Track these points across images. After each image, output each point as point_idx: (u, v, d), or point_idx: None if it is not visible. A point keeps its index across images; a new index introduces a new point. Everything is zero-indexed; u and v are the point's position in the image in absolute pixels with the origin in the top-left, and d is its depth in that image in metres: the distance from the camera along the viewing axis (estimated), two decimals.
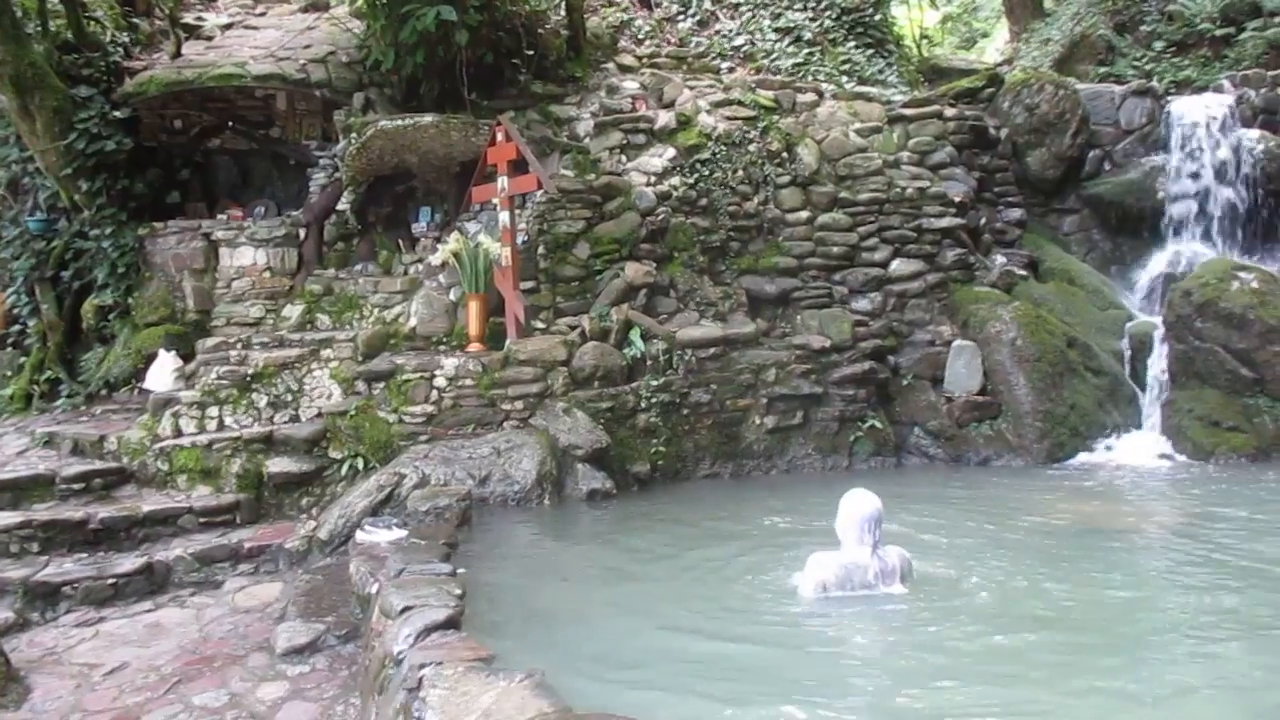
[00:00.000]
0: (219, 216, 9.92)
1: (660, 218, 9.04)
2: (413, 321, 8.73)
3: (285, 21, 11.07)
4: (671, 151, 9.50)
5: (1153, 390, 9.21)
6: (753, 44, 12.15)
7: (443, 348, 8.51)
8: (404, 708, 3.36)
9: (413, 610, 4.01)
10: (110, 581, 6.15)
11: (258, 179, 10.73)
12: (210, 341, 8.63)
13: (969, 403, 8.90)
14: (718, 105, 10.04)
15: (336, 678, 4.81)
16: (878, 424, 8.72)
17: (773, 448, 8.46)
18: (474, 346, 8.22)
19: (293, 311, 9.17)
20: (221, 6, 11.62)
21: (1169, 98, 11.09)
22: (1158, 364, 9.22)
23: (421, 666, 3.39)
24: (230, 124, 10.48)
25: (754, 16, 12.48)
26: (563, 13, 10.79)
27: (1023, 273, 9.95)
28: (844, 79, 11.75)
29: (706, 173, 9.46)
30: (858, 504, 4.77)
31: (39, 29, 9.46)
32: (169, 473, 7.42)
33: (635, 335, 8.20)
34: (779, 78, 11.16)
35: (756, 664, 4.15)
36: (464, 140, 8.91)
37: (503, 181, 8.41)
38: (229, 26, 11.01)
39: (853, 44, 12.54)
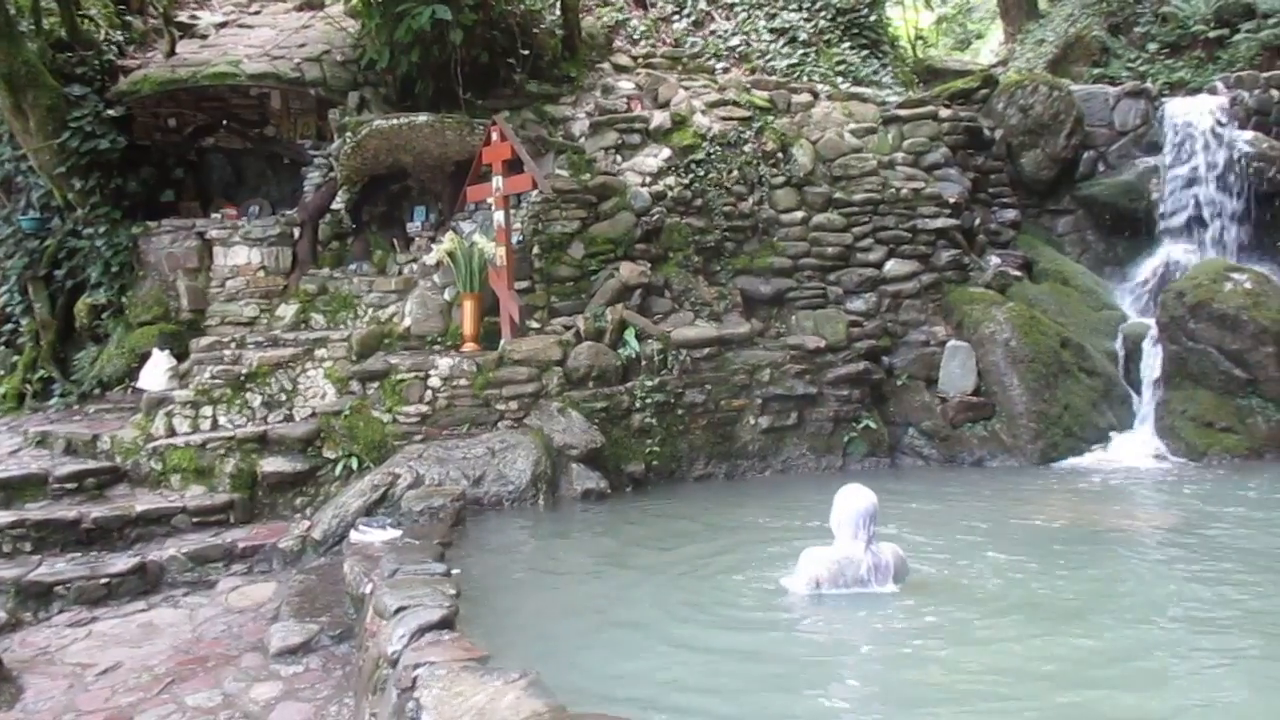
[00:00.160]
0: (213, 215, 9.91)
1: (655, 218, 9.05)
2: (407, 321, 8.72)
3: (280, 20, 11.06)
4: (666, 151, 9.50)
5: (1146, 391, 9.23)
6: (748, 44, 12.15)
7: (437, 347, 8.50)
8: (398, 708, 3.35)
9: (407, 610, 4.00)
10: (103, 581, 6.14)
11: (252, 178, 10.71)
12: (204, 341, 8.61)
13: (963, 403, 8.92)
14: (713, 105, 10.05)
15: (330, 678, 4.80)
16: (872, 424, 8.73)
17: (767, 448, 8.47)
18: (469, 346, 8.22)
19: (287, 311, 9.16)
20: (216, 5, 11.60)
21: (1163, 99, 11.11)
22: (1151, 365, 9.25)
23: (416, 666, 3.39)
24: (225, 123, 10.46)
25: (749, 17, 12.48)
26: (558, 12, 10.78)
27: (1017, 273, 9.97)
28: (839, 80, 11.75)
29: (701, 173, 9.46)
30: (853, 499, 4.77)
31: (32, 27, 9.44)
32: (162, 472, 7.40)
33: (630, 335, 8.20)
34: (774, 78, 11.17)
35: (748, 662, 4.15)
36: (459, 140, 8.90)
37: (498, 181, 8.40)
38: (223, 25, 10.99)
39: (848, 45, 12.55)
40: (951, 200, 9.79)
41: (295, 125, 10.46)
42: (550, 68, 10.38)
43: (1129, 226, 10.75)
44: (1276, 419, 8.56)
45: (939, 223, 9.69)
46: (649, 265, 8.85)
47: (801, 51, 12.14)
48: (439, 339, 8.62)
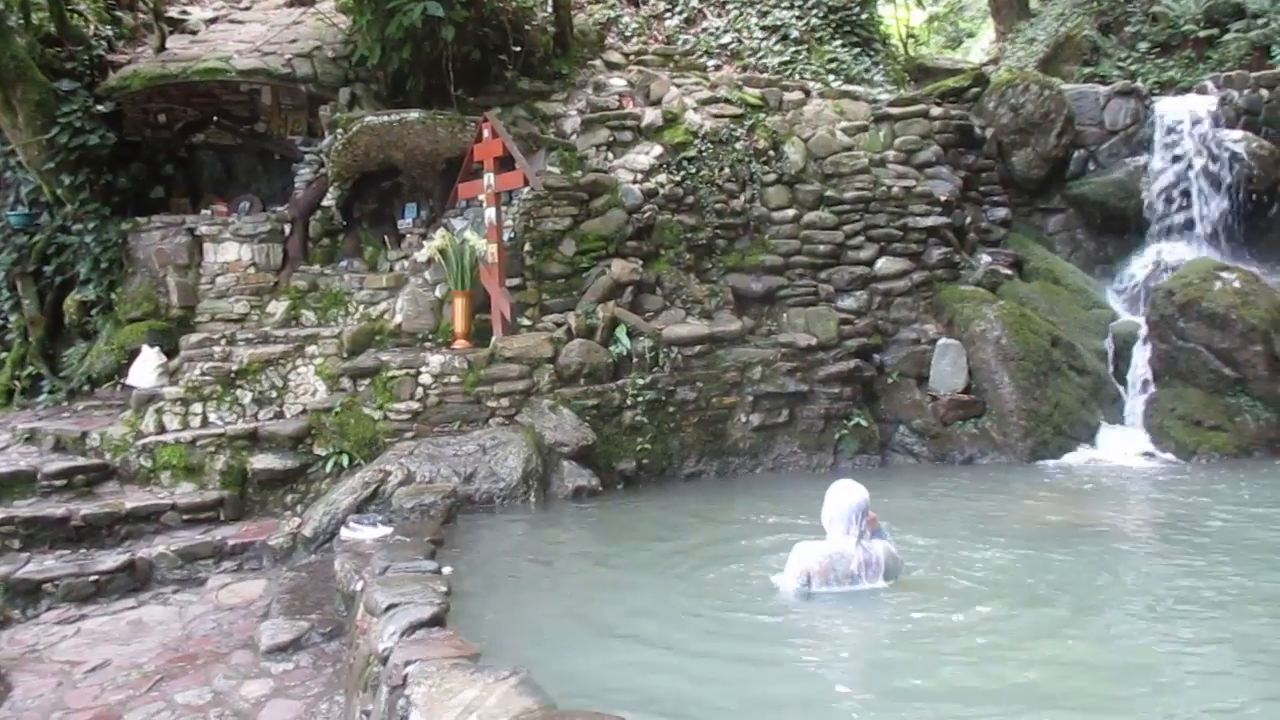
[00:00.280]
0: (203, 212, 9.87)
1: (647, 215, 9.04)
2: (398, 318, 8.70)
3: (271, 16, 11.02)
4: (658, 149, 9.50)
5: (1135, 389, 9.27)
6: (740, 42, 12.16)
7: (428, 344, 8.49)
8: (389, 705, 3.35)
9: (398, 608, 3.99)
10: (92, 579, 6.12)
11: (242, 174, 10.67)
12: (194, 337, 8.58)
13: (954, 401, 8.94)
14: (704, 103, 10.05)
15: (321, 675, 4.80)
16: (863, 422, 8.74)
17: (758, 445, 8.48)
18: (460, 343, 8.21)
19: (277, 308, 9.13)
20: (206, 0, 11.55)
21: (1153, 98, 11.17)
22: (1141, 363, 9.28)
23: (406, 664, 3.39)
24: (215, 119, 10.42)
25: (741, 14, 12.48)
26: (550, 9, 10.77)
27: (1007, 272, 10.00)
28: (830, 77, 11.76)
29: (693, 170, 9.46)
30: (845, 494, 4.78)
31: (21, 22, 9.38)
32: (152, 469, 7.38)
33: (621, 333, 8.20)
34: (766, 75, 11.18)
35: (739, 659, 4.15)
36: (450, 137, 8.88)
37: (489, 178, 8.39)
38: (214, 20, 10.94)
39: (839, 43, 12.56)
40: (943, 198, 9.81)
41: (286, 121, 10.43)
42: (542, 65, 10.37)
43: (1119, 225, 10.80)
44: (1265, 417, 8.60)
45: (930, 221, 9.71)
46: (640, 262, 8.85)
47: (793, 49, 12.15)
48: (430, 336, 8.61)
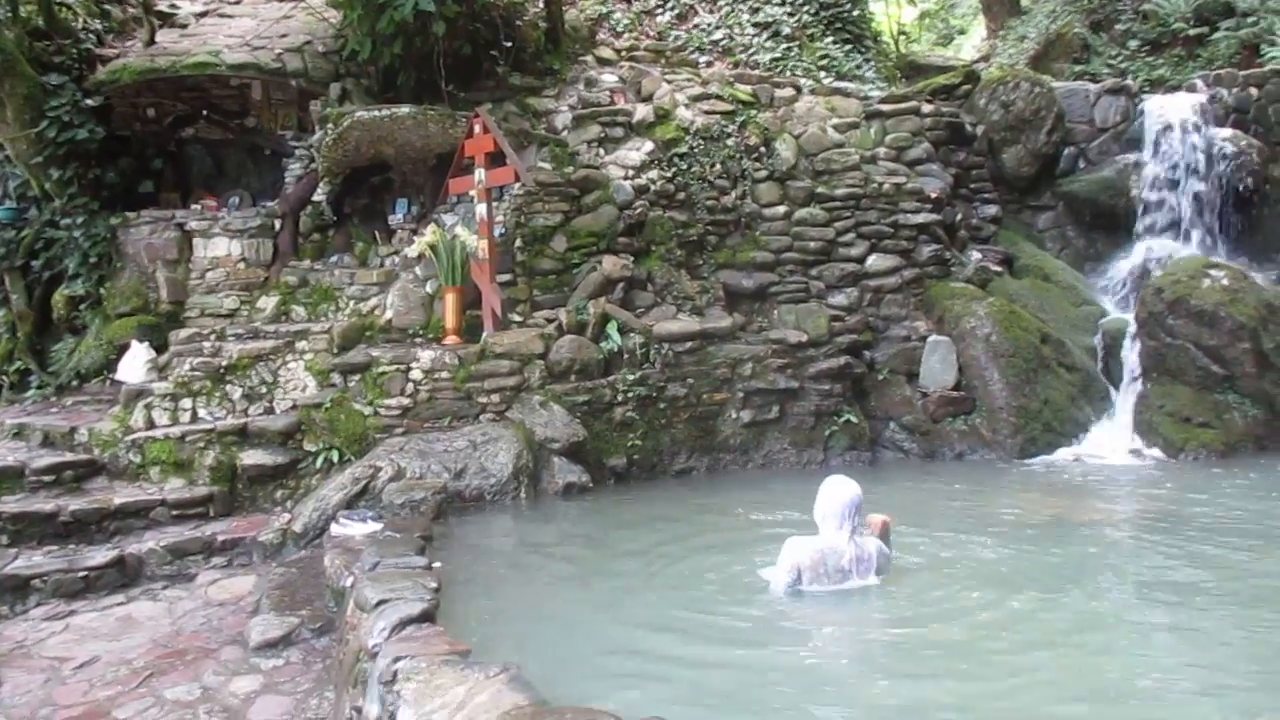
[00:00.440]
0: (193, 207, 9.82)
1: (638, 211, 9.04)
2: (389, 314, 8.69)
3: (261, 10, 10.96)
4: (649, 145, 9.49)
5: (1124, 386, 9.31)
6: (731, 38, 12.14)
7: (419, 340, 8.47)
8: (379, 701, 3.35)
9: (388, 604, 3.99)
10: (81, 574, 6.10)
11: (232, 169, 10.63)
12: (183, 333, 8.54)
13: (944, 398, 8.97)
14: (696, 99, 10.05)
15: (310, 671, 4.79)
16: (853, 419, 8.75)
17: (749, 442, 8.49)
18: (450, 339, 8.19)
19: (267, 303, 9.11)
20: None
21: (1143, 96, 11.20)
22: (1130, 360, 9.32)
23: (396, 660, 3.39)
24: (205, 113, 10.38)
25: (732, 10, 12.47)
26: (541, 5, 10.74)
27: (998, 269, 10.02)
28: (822, 74, 11.77)
29: (684, 166, 9.46)
30: (838, 489, 4.80)
31: (9, 15, 9.31)
32: (141, 465, 7.35)
33: (612, 329, 8.20)
34: (757, 72, 11.18)
35: (730, 656, 4.16)
36: (441, 132, 8.86)
37: (480, 174, 8.38)
38: (204, 14, 10.88)
39: (831, 39, 12.57)
40: (933, 195, 9.83)
41: (276, 116, 10.39)
42: (533, 60, 10.34)
43: (1109, 222, 10.83)
44: (1253, 414, 8.65)
45: (921, 218, 9.73)
46: (631, 259, 8.85)
47: (785, 46, 12.15)
48: (421, 332, 8.59)
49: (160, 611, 5.85)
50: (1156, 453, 8.64)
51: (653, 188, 9.21)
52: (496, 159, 8.35)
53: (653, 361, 8.21)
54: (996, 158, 10.95)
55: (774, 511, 6.60)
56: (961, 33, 21.64)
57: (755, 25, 12.34)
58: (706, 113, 9.90)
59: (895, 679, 3.89)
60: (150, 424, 7.64)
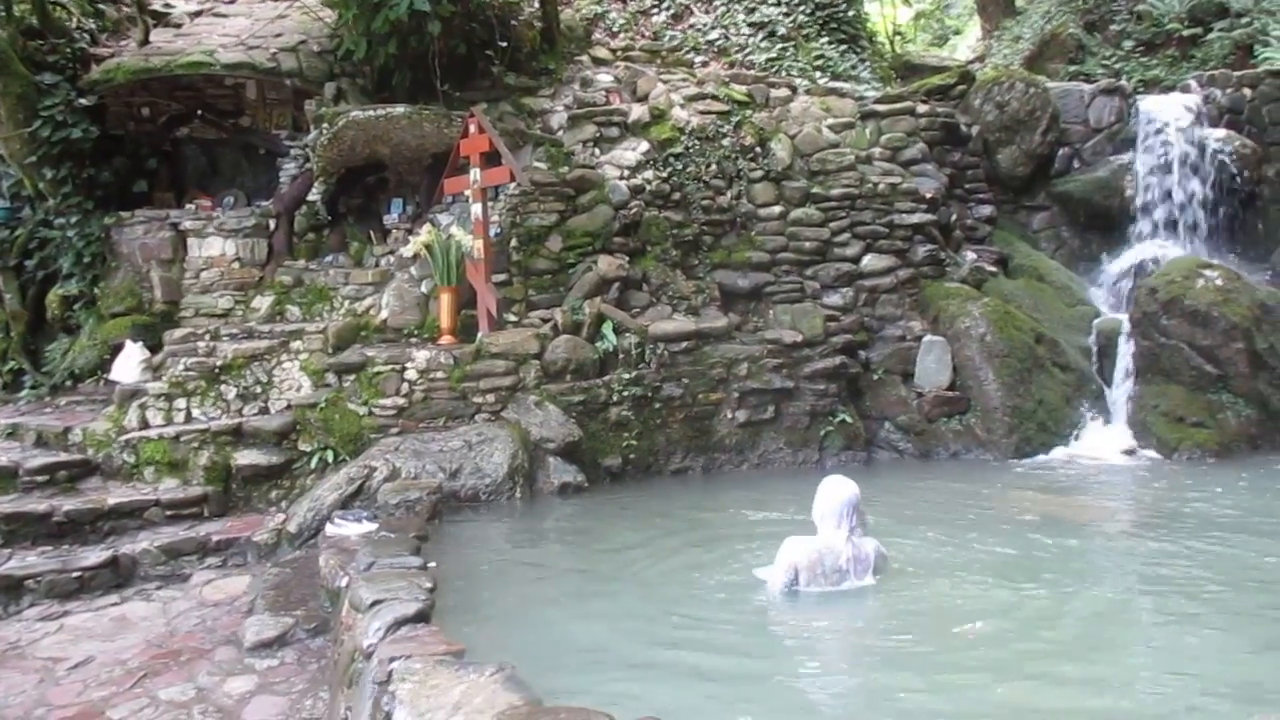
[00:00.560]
0: (187, 206, 9.80)
1: (633, 211, 9.04)
2: (384, 314, 8.68)
3: (256, 9, 10.94)
4: (645, 145, 9.49)
5: (1119, 386, 9.32)
6: (727, 38, 12.16)
7: (414, 340, 8.46)
8: (374, 701, 3.35)
9: (383, 604, 3.99)
10: (75, 575, 6.08)
11: (227, 169, 10.60)
12: (178, 333, 8.53)
13: (938, 398, 8.97)
14: (691, 99, 10.04)
15: (305, 671, 4.79)
16: (848, 419, 8.76)
17: (744, 442, 8.49)
18: (445, 339, 8.19)
19: (262, 303, 9.10)
20: None
21: (1137, 96, 11.22)
22: (1124, 360, 9.33)
23: (391, 660, 3.38)
24: (199, 113, 10.35)
25: (728, 10, 12.48)
26: (536, 4, 10.74)
27: (992, 269, 10.03)
28: (817, 74, 11.78)
29: (680, 166, 9.46)
30: (836, 489, 4.80)
31: (2, 13, 9.29)
32: (135, 465, 7.34)
33: (608, 329, 8.19)
34: (752, 72, 11.18)
35: (724, 655, 4.16)
36: (436, 132, 8.86)
37: (475, 173, 8.38)
38: (198, 14, 10.86)
39: (826, 39, 12.58)
40: (928, 196, 9.84)
41: (271, 116, 10.36)
42: (529, 60, 10.34)
43: (1103, 223, 10.85)
44: (1246, 414, 8.66)
45: (916, 218, 9.74)
46: (627, 259, 8.85)
47: (780, 46, 12.15)
48: (416, 331, 8.58)
49: (154, 612, 5.83)
50: (1150, 452, 8.65)
51: (648, 188, 9.20)
52: (492, 159, 8.35)
53: (648, 361, 8.21)
54: (991, 158, 10.96)
55: (769, 511, 6.60)
56: (957, 33, 21.68)
57: (751, 25, 12.35)
58: (702, 113, 9.90)
59: (894, 680, 3.89)
60: (144, 424, 7.63)
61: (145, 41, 9.91)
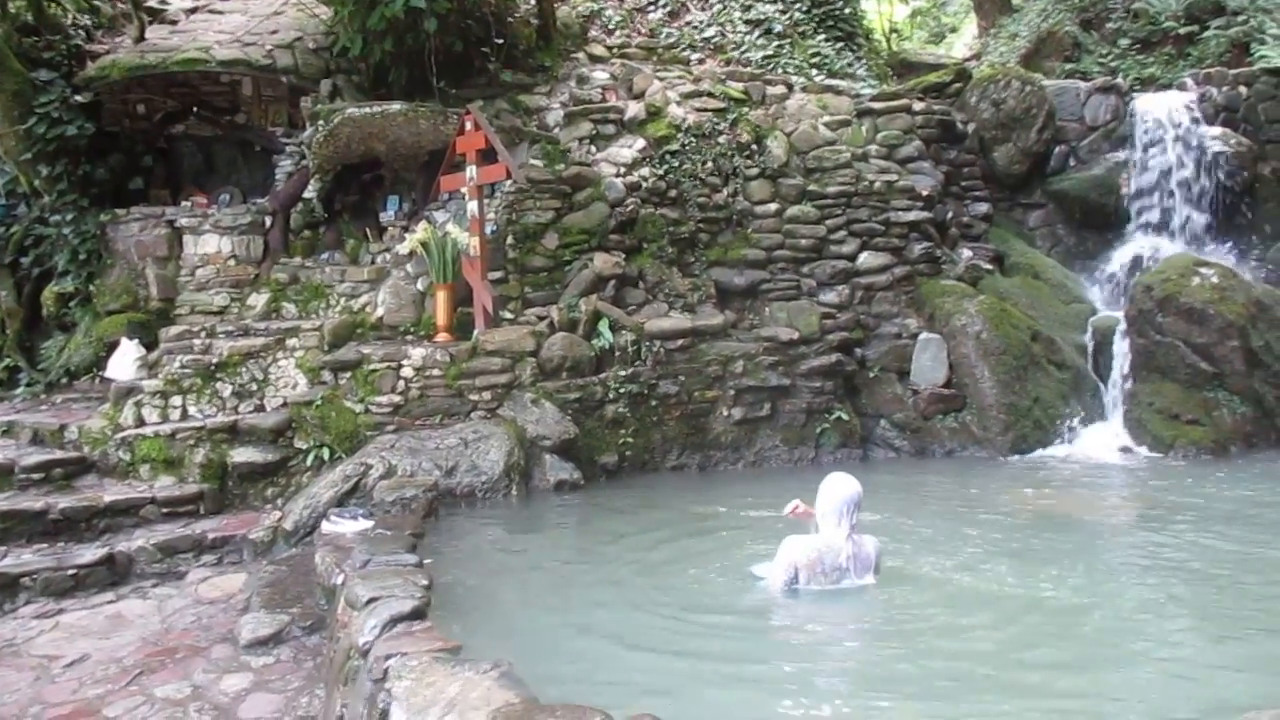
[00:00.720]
0: (183, 203, 9.81)
1: (629, 209, 9.03)
2: (380, 311, 8.68)
3: (251, 6, 10.92)
4: (641, 142, 9.49)
5: (1114, 384, 9.34)
6: (723, 35, 12.14)
7: (410, 338, 8.46)
8: (370, 699, 3.35)
9: (378, 601, 3.99)
10: (70, 572, 6.07)
11: (223, 166, 10.60)
12: (174, 330, 8.52)
13: (934, 395, 8.98)
14: (688, 96, 10.04)
15: (301, 669, 4.78)
16: (844, 416, 8.77)
17: (740, 439, 8.49)
18: (442, 336, 8.19)
19: (258, 300, 9.09)
20: None
21: (1133, 94, 11.23)
22: (1119, 358, 9.35)
23: (387, 657, 3.38)
24: (195, 110, 10.35)
25: (724, 8, 12.47)
26: (532, 1, 10.73)
27: (988, 267, 10.04)
28: (813, 72, 11.77)
29: (676, 164, 9.46)
30: (839, 486, 4.78)
31: None
32: (131, 462, 7.32)
33: (604, 326, 8.20)
34: (749, 70, 11.16)
35: (721, 654, 4.16)
36: (432, 129, 8.85)
37: (471, 171, 8.38)
38: (193, 10, 10.85)
39: (822, 37, 12.58)
40: (924, 193, 9.84)
41: (267, 113, 10.36)
42: (525, 57, 10.34)
43: (1099, 220, 10.87)
44: (1241, 412, 8.68)
45: (912, 215, 9.74)
46: (623, 256, 8.85)
47: (776, 43, 12.14)
48: (412, 329, 8.58)
49: (150, 609, 5.83)
50: (1146, 450, 8.67)
51: (644, 185, 9.20)
52: (488, 156, 8.35)
53: (644, 359, 8.22)
54: (987, 156, 10.97)
55: (765, 509, 6.59)
56: (953, 30, 21.67)
57: (747, 23, 12.34)
58: (698, 110, 9.90)
59: (891, 677, 3.90)
60: (140, 421, 7.62)
61: (141, 38, 9.90)
